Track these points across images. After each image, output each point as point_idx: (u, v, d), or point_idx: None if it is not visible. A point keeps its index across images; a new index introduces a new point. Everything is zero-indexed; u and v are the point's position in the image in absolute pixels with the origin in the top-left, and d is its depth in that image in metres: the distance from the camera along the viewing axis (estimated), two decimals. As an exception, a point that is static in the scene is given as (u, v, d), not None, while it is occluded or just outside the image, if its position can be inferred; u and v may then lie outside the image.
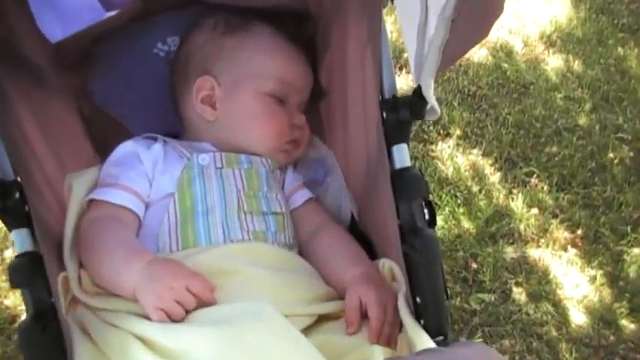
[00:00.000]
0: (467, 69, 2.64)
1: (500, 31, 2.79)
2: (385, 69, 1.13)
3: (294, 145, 1.27)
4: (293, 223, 1.22)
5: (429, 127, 2.45)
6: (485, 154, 2.41)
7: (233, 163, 1.19)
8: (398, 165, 1.11)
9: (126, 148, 1.19)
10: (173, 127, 1.29)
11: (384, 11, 1.16)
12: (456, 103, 2.53)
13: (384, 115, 1.10)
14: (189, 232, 1.10)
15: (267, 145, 1.23)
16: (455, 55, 0.94)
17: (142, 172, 1.15)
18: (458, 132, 2.45)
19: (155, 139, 1.23)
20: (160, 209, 1.13)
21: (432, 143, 2.42)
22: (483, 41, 2.68)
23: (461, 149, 2.41)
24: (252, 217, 1.14)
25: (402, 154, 1.11)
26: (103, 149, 1.22)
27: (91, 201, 1.12)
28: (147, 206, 1.14)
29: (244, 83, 1.23)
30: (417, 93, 1.00)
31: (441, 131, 2.46)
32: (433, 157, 2.38)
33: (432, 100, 0.97)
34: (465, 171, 2.36)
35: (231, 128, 1.23)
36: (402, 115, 1.08)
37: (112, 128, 1.30)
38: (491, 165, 2.38)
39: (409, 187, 1.07)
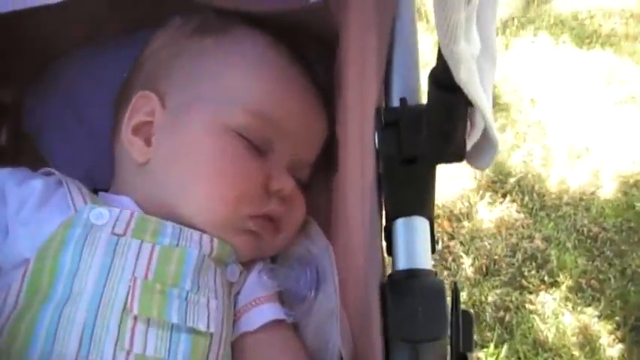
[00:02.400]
0: (589, 205, 2.14)
1: (635, 165, 2.29)
2: (400, 45, 0.69)
3: (266, 226, 0.84)
4: (233, 356, 0.79)
5: (529, 270, 1.97)
6: (603, 317, 1.87)
7: (146, 233, 0.78)
8: (402, 263, 0.64)
9: None
10: None
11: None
12: (570, 245, 2.02)
13: (376, 138, 0.65)
14: (20, 330, 0.70)
15: (213, 213, 0.81)
16: None
17: None
18: (569, 282, 1.93)
19: (49, 175, 0.86)
20: (3, 284, 0.75)
21: (531, 292, 1.92)
22: (613, 173, 2.22)
23: (570, 305, 1.89)
24: (148, 328, 0.72)
25: (414, 241, 0.64)
26: None
27: None
28: None
29: (199, 108, 0.84)
30: (442, 76, 0.53)
31: (546, 278, 1.95)
32: (531, 312, 1.88)
33: (479, 96, 0.53)
34: (573, 335, 1.83)
35: (165, 178, 0.84)
36: (408, 134, 0.62)
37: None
38: (611, 333, 1.84)
39: (409, 318, 0.60)
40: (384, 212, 0.68)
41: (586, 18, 2.81)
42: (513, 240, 2.05)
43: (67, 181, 0.83)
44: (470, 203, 2.14)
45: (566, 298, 1.91)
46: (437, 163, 0.64)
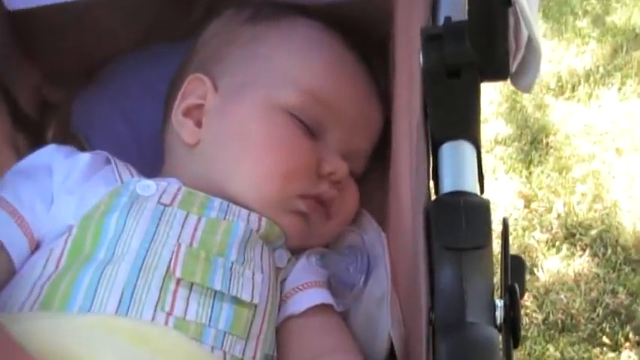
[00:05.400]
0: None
1: None
2: None
3: (316, 209, 0.93)
4: (277, 341, 0.88)
5: (612, 327, 2.01)
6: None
7: (193, 206, 0.88)
8: (447, 186, 0.71)
9: (42, 154, 0.96)
10: None
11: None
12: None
13: (421, 58, 0.72)
14: (60, 288, 0.79)
15: (261, 190, 0.91)
16: None
17: (43, 190, 0.90)
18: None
19: (107, 160, 0.96)
20: (44, 249, 0.86)
21: (614, 350, 1.96)
22: None
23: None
24: (190, 293, 0.80)
25: (460, 165, 0.72)
26: None
27: None
28: (37, 246, 0.88)
29: (252, 89, 0.95)
30: None
31: (631, 335, 1.99)
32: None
33: None
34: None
35: (214, 157, 0.94)
36: (451, 43, 0.69)
37: None
38: None
39: (453, 227, 0.66)
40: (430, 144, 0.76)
41: (679, 65, 2.92)
42: (594, 294, 2.11)
43: (114, 159, 0.95)
44: (544, 255, 2.22)
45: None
46: (481, 77, 0.72)
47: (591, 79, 2.87)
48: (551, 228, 2.29)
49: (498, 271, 0.74)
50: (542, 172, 2.50)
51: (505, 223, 0.75)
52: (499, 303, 0.66)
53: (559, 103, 2.77)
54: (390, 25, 0.99)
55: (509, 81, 0.75)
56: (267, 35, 1.00)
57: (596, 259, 2.20)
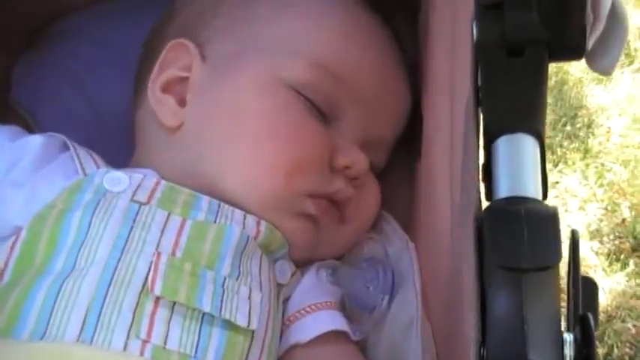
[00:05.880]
0: None
1: None
2: None
3: (329, 211, 0.96)
4: None
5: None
6: None
7: (175, 205, 0.90)
8: (503, 191, 0.73)
9: None
10: None
11: None
12: None
13: (475, 32, 0.74)
14: (5, 309, 0.79)
15: (260, 187, 0.93)
16: None
17: None
18: None
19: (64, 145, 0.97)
20: None
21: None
22: None
23: None
24: (172, 315, 0.81)
25: (519, 164, 0.73)
26: None
27: None
28: None
29: (248, 60, 0.97)
30: None
31: None
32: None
33: None
34: None
35: (201, 145, 0.96)
36: (514, 14, 0.71)
37: None
38: None
39: (511, 243, 0.68)
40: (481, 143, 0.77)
41: None
42: (674, 323, 2.14)
43: (74, 144, 0.96)
44: (606, 272, 2.24)
45: None
46: (550, 56, 0.73)
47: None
48: (615, 237, 2.31)
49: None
50: (601, 164, 2.51)
51: (574, 237, 0.76)
52: (568, 337, 0.67)
53: (625, 77, 2.78)
54: None
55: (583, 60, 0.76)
56: None
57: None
